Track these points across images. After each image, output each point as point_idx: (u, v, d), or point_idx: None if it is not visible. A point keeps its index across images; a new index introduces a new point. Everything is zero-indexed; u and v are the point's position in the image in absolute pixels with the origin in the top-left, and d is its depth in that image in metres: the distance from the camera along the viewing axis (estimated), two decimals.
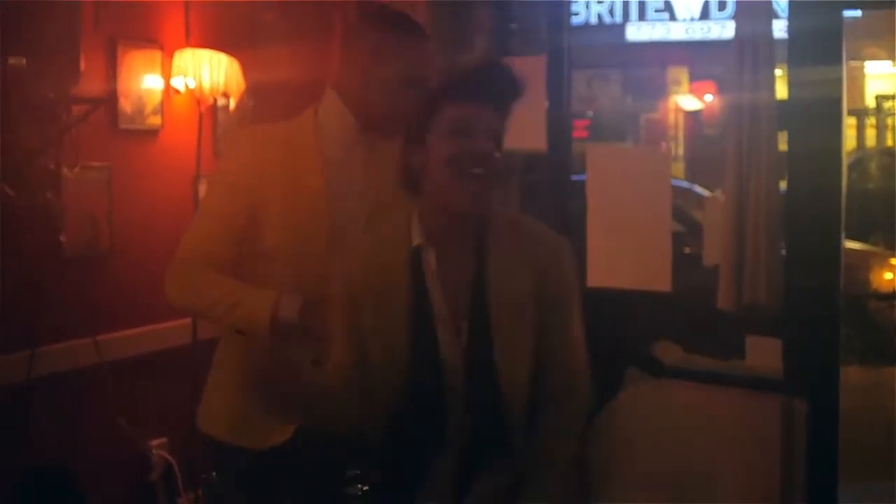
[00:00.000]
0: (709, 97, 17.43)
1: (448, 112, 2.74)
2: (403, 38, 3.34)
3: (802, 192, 4.77)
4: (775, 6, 5.15)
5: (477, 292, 2.76)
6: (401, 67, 3.31)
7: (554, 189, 5.59)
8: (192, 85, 5.55)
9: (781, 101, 4.99)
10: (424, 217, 2.78)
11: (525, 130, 5.25)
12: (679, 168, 15.76)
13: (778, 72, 4.93)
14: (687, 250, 6.81)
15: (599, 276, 5.24)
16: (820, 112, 4.66)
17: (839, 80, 4.68)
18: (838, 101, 4.70)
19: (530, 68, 5.53)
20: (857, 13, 10.28)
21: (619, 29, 19.57)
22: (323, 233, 3.34)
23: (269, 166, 3.34)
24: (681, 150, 17.60)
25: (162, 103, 5.61)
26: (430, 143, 2.76)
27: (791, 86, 4.82)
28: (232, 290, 3.28)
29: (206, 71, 5.52)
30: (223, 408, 3.55)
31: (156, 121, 5.60)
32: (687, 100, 13.76)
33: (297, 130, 3.43)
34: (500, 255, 2.80)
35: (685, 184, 9.95)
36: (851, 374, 7.10)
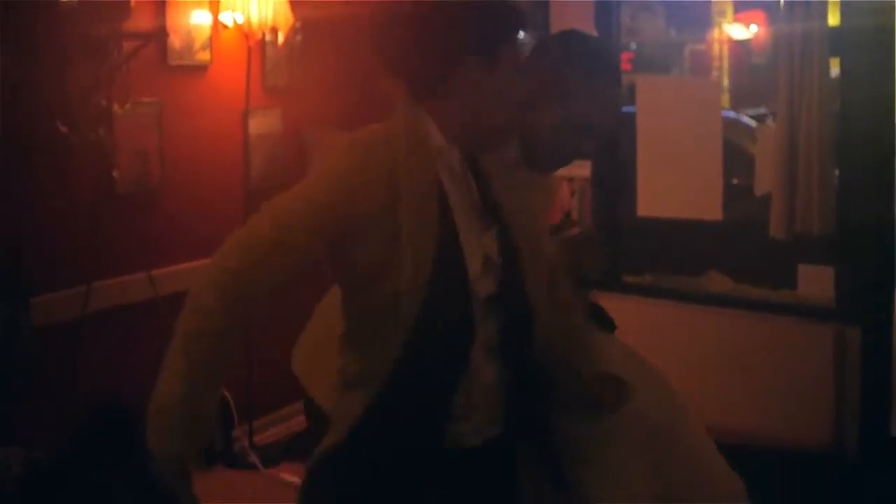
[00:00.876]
0: (754, 27, 17.23)
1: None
2: (601, 85, 2.95)
3: (855, 119, 4.74)
4: None
5: (492, 204, 2.63)
6: (587, 114, 2.93)
7: None
8: (240, 20, 5.53)
9: (833, 28, 4.95)
10: (447, 120, 2.55)
11: None
12: (725, 98, 15.62)
13: None
14: (735, 181, 6.78)
15: (649, 205, 5.24)
16: (872, 38, 4.62)
17: (892, 7, 4.64)
18: (891, 26, 4.65)
19: (579, 1, 5.51)
20: None
21: None
22: None
23: None
24: (726, 81, 17.44)
25: (210, 39, 5.60)
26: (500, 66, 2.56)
27: (843, 13, 4.78)
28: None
29: (255, 5, 5.50)
30: (318, 362, 3.43)
31: (205, 56, 5.60)
32: (734, 29, 13.58)
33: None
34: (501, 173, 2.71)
35: (732, 114, 9.85)
36: None
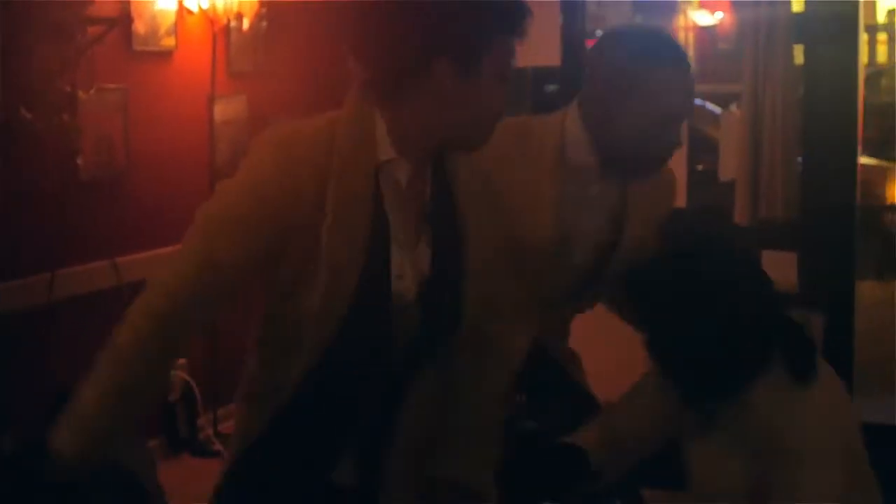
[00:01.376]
0: (720, 14, 17.28)
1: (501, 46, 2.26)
2: (676, 72, 2.81)
3: (819, 106, 4.76)
4: None
5: (440, 205, 2.35)
6: (661, 107, 2.78)
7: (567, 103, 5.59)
8: (205, 5, 5.52)
9: (797, 15, 4.97)
10: (403, 129, 2.24)
11: (540, 47, 5.26)
12: None
13: None
14: (700, 167, 6.81)
15: None
16: (836, 26, 4.65)
17: None
18: (854, 14, 4.68)
19: None
20: None
21: None
22: None
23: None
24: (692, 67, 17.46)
25: (175, 24, 5.58)
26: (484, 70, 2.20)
27: (807, 0, 4.80)
28: None
29: None
30: None
31: (170, 42, 5.58)
32: (699, 15, 13.64)
33: (540, 139, 2.91)
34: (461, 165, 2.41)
35: (698, 101, 9.87)
36: (867, 289, 7.09)
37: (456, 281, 2.33)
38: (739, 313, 2.55)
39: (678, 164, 5.29)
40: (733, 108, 5.72)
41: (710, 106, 9.14)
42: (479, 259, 2.36)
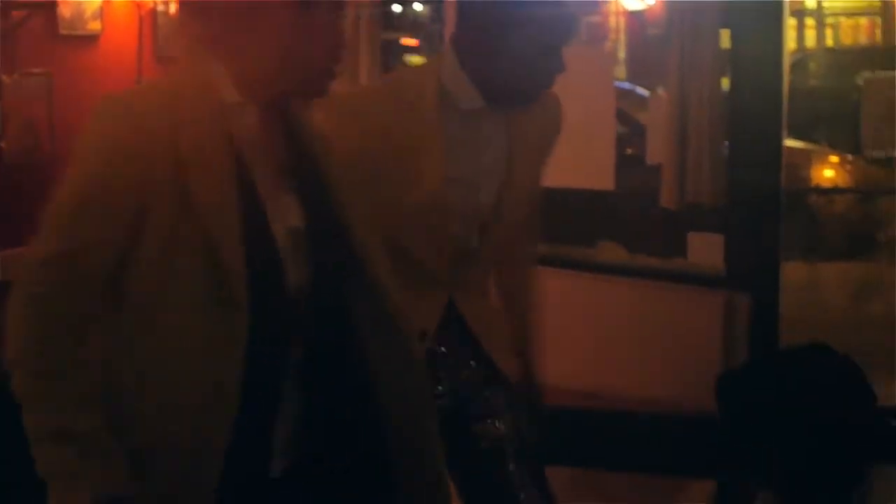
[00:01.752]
0: None
1: None
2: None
3: (745, 91, 4.80)
4: None
5: (299, 159, 2.26)
6: (543, 36, 2.70)
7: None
8: None
9: (724, 1, 5.01)
10: (243, 73, 2.16)
11: None
12: (621, 70, 15.76)
13: None
14: (629, 151, 6.84)
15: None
16: (762, 11, 4.69)
17: None
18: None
19: None
20: None
21: None
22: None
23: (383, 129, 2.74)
24: (622, 53, 17.57)
25: (101, 8, 5.54)
26: None
27: None
28: None
29: None
30: None
31: (96, 26, 5.53)
32: (629, 0, 13.71)
33: (416, 88, 2.82)
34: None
35: (627, 85, 9.92)
36: (793, 270, 7.18)
37: (330, 236, 2.22)
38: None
39: (607, 147, 5.33)
40: (661, 91, 5.75)
41: (640, 89, 9.20)
42: (356, 215, 2.26)
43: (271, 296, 2.10)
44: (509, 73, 2.73)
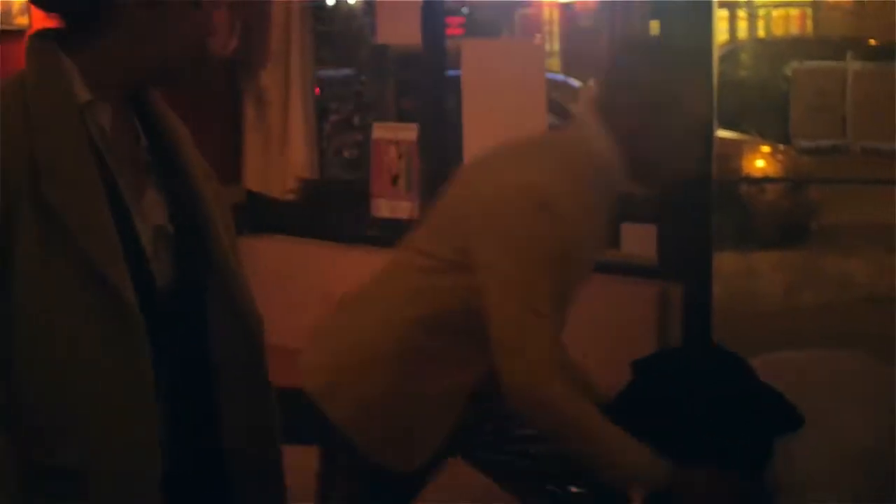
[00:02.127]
0: None
1: None
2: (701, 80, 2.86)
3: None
4: None
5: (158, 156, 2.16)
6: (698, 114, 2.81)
7: (429, 85, 5.60)
8: None
9: None
10: (95, 71, 2.06)
11: (400, 26, 5.25)
12: (555, 62, 15.83)
13: None
14: None
15: None
16: (692, 2, 4.71)
17: None
18: None
19: None
20: None
21: None
22: None
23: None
24: (556, 45, 17.67)
25: (29, 2, 5.46)
26: None
27: None
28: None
29: None
30: (346, 371, 2.98)
31: (23, 21, 5.46)
32: None
33: (570, 156, 2.82)
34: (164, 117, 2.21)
35: (560, 77, 9.99)
36: (725, 260, 7.25)
37: (193, 232, 2.15)
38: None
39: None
40: (591, 83, 5.78)
41: (572, 80, 9.27)
42: (214, 210, 2.19)
43: (140, 299, 1.99)
44: (659, 152, 2.76)
